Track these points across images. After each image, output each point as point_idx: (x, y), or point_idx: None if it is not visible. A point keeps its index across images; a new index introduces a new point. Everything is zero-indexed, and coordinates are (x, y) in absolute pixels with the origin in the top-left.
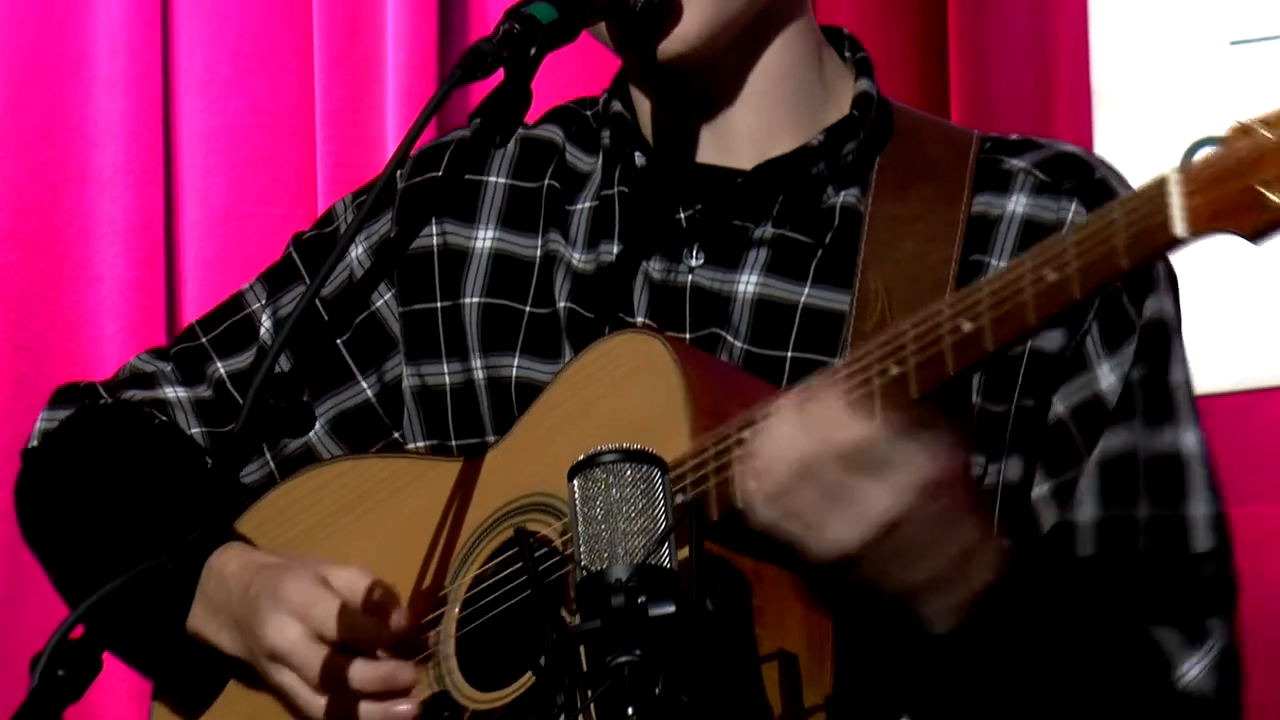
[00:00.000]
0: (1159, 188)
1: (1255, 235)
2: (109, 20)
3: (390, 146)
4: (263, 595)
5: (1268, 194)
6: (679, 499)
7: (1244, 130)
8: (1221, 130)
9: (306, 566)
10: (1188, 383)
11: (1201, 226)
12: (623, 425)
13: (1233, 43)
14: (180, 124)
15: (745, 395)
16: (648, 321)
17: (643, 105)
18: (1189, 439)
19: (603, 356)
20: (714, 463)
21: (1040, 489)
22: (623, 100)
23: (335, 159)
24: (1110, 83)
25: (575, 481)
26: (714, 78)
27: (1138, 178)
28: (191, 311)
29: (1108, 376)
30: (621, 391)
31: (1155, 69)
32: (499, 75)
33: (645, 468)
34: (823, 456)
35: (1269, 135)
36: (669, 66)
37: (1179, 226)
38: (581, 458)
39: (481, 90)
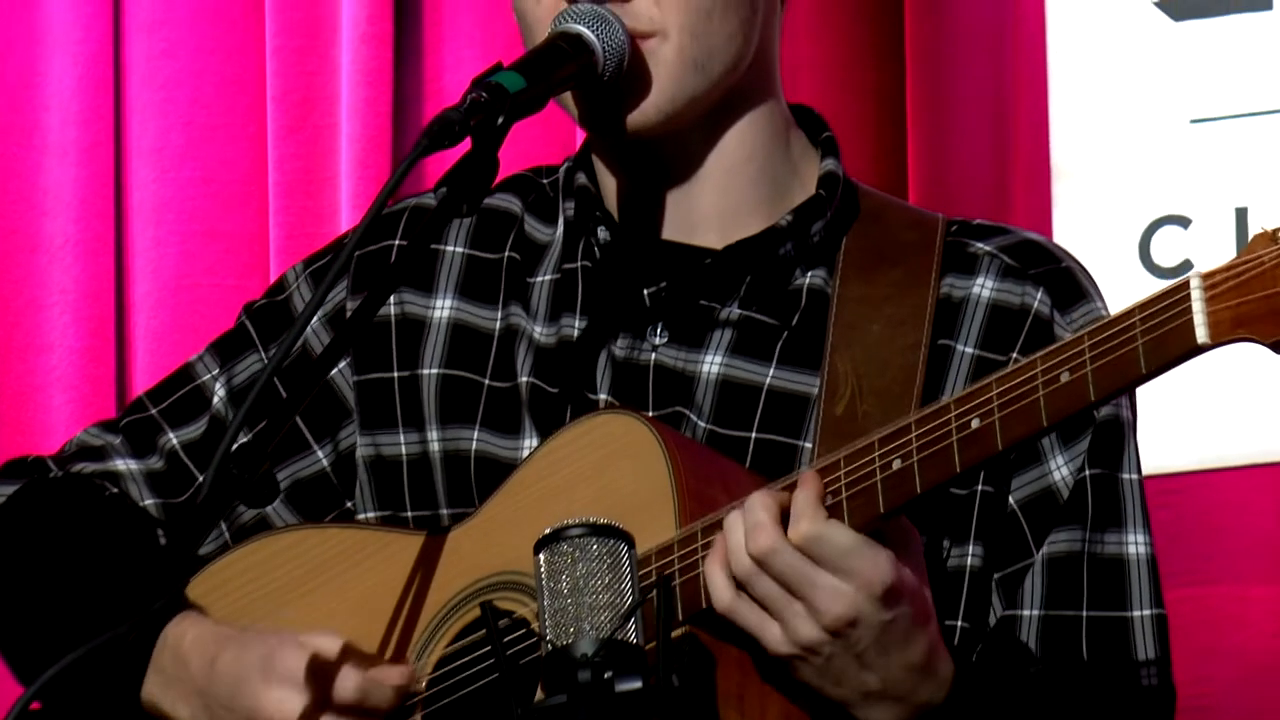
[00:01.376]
0: (1180, 291)
1: (1278, 345)
2: (60, 88)
3: (344, 217)
4: (247, 669)
5: None
6: (673, 583)
7: (1269, 237)
8: (1180, 208)
9: (282, 637)
10: (1139, 484)
11: (1224, 334)
12: (604, 508)
13: (1193, 121)
14: (132, 193)
15: (728, 481)
16: (610, 399)
17: (607, 178)
18: (1136, 543)
19: (582, 436)
20: (703, 551)
21: (994, 576)
22: (587, 172)
23: (288, 230)
24: (1069, 159)
25: (541, 555)
26: (681, 152)
27: (1096, 255)
28: (142, 382)
29: (1060, 470)
30: (603, 473)
31: (1114, 146)
32: (465, 144)
33: (612, 542)
34: (788, 548)
35: None
36: (636, 139)
37: (1201, 333)
38: (548, 531)
39: (440, 159)
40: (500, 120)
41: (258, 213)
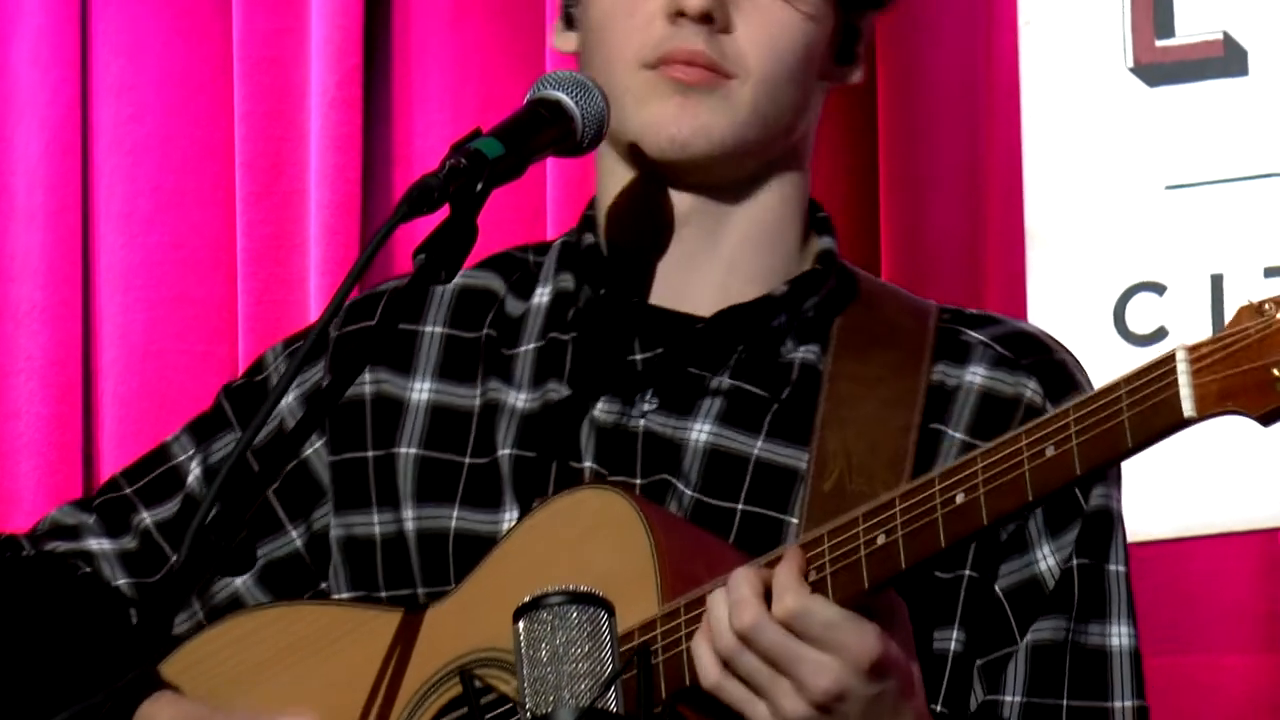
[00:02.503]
0: (1166, 364)
1: (1265, 418)
2: (27, 152)
3: (313, 283)
4: None
5: None
6: (655, 660)
7: (1255, 309)
8: (1155, 275)
9: (258, 716)
10: (1125, 575)
11: (1210, 407)
12: (585, 583)
13: (1168, 187)
14: (99, 258)
15: (711, 557)
16: (596, 467)
17: (609, 246)
18: (1120, 634)
19: (562, 512)
20: (687, 628)
21: (976, 662)
22: (594, 235)
23: (256, 296)
24: (1043, 226)
25: (520, 623)
26: (712, 210)
27: (1071, 322)
28: (109, 449)
29: (1047, 559)
30: (584, 549)
31: (1089, 212)
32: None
33: (592, 610)
34: (771, 624)
35: None
36: (680, 166)
37: (1187, 406)
38: (527, 599)
39: (413, 228)
40: (479, 187)
41: (226, 278)
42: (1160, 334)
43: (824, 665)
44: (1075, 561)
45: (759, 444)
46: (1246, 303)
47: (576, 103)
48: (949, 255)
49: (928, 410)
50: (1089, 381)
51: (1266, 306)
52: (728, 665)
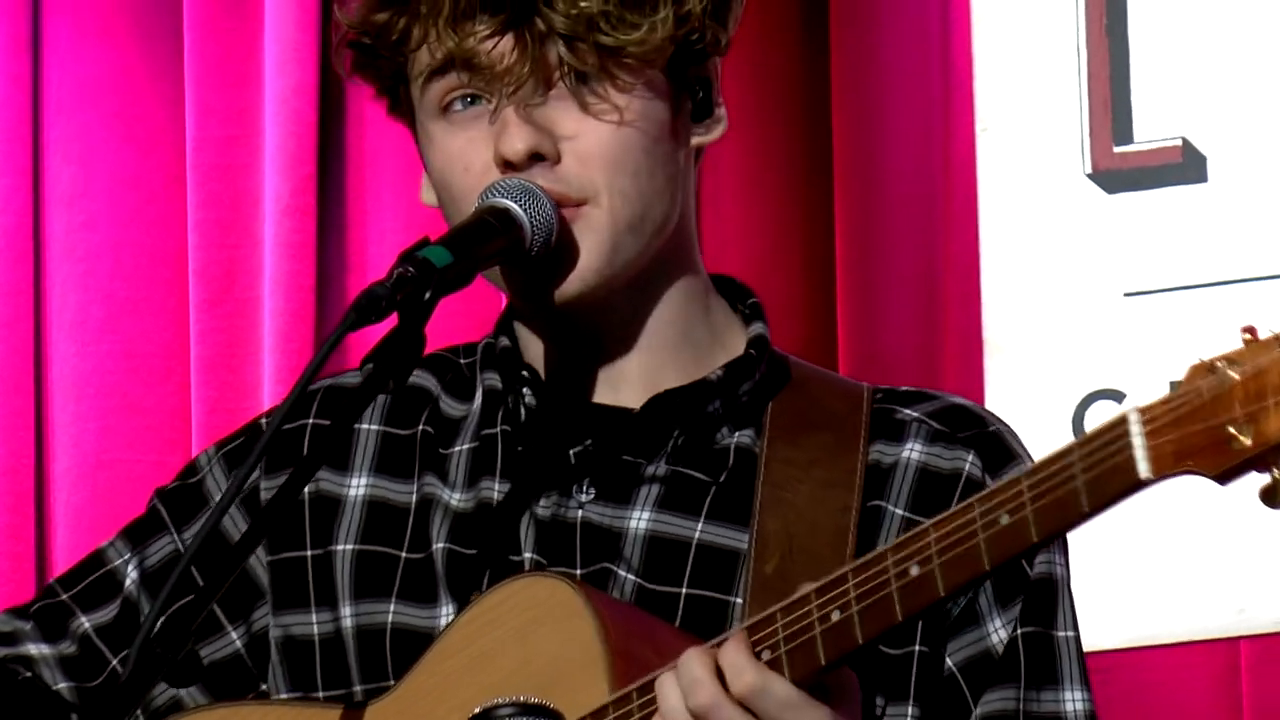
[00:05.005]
0: (1119, 426)
1: (1222, 477)
2: None
3: (267, 391)
4: None
5: (1237, 434)
6: None
7: (1207, 368)
8: (1115, 382)
9: None
10: (1076, 640)
11: (1166, 467)
12: (533, 672)
13: (1126, 294)
14: (51, 367)
15: (658, 640)
16: (536, 558)
17: (530, 344)
18: (1074, 699)
19: (504, 602)
20: (639, 713)
21: None
22: (509, 337)
23: (210, 405)
24: (1001, 334)
25: None
26: (605, 320)
27: (1029, 430)
28: (62, 559)
29: (998, 632)
30: (529, 638)
31: (1047, 320)
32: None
33: None
34: (728, 703)
35: (1233, 374)
36: (564, 309)
37: (1143, 468)
38: (477, 711)
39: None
40: (427, 295)
41: (179, 387)
42: None
43: None
44: (1020, 630)
45: (699, 526)
46: (1198, 361)
47: (525, 210)
48: (907, 362)
49: (866, 489)
50: (1027, 452)
51: (1218, 365)
52: None
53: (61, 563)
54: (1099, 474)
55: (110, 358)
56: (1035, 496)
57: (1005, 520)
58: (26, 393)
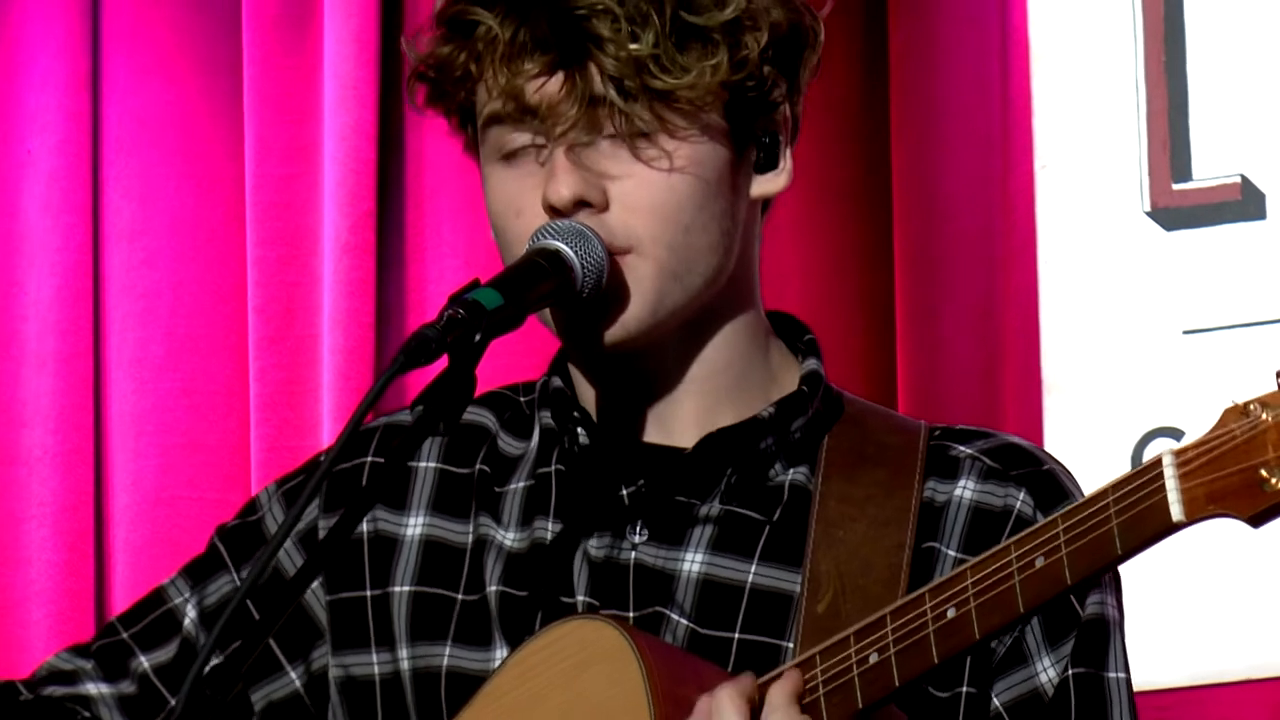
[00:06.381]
0: (1153, 469)
1: (1255, 519)
2: (39, 298)
3: (326, 429)
4: None
5: (1269, 477)
6: None
7: (1240, 410)
8: (1173, 420)
9: None
10: (1127, 682)
11: (1199, 510)
12: (579, 715)
13: (1185, 332)
14: (111, 404)
15: (705, 683)
16: (589, 600)
17: (583, 386)
18: None
19: (553, 644)
20: None
21: None
22: (563, 378)
23: (269, 442)
24: (1060, 372)
25: None
26: (658, 364)
27: (1087, 469)
28: (121, 596)
29: (1047, 671)
30: (576, 681)
31: (1106, 358)
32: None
33: None
34: None
35: (1266, 416)
36: (611, 352)
37: (1176, 510)
38: None
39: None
40: (477, 338)
41: (239, 425)
42: None
43: None
44: (1072, 671)
45: (753, 569)
46: (1231, 404)
47: (576, 252)
48: (965, 400)
49: (920, 528)
50: (1080, 490)
51: (1251, 407)
52: None
53: (121, 600)
54: (1133, 517)
55: (170, 395)
56: (1070, 539)
57: (1040, 563)
58: (86, 430)
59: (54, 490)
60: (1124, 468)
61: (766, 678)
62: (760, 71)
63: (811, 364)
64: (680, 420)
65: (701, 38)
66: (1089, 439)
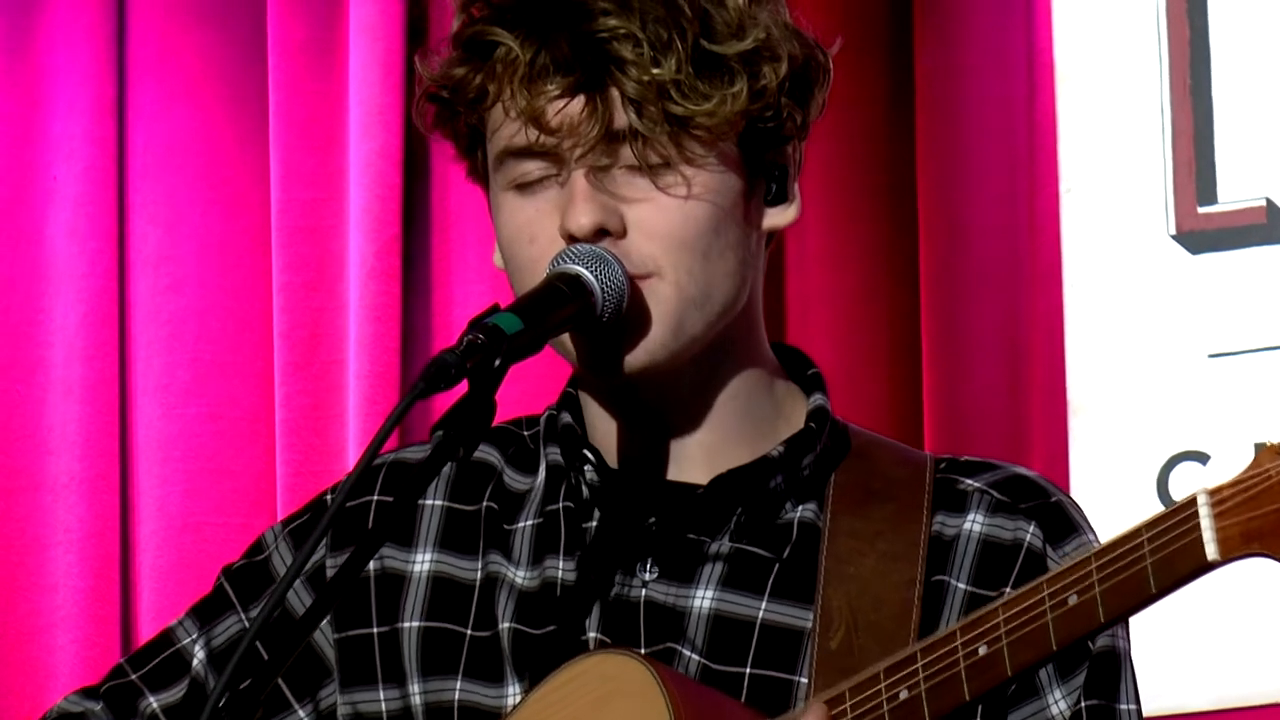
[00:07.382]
0: (1188, 509)
1: None
2: (64, 324)
3: (351, 454)
4: None
5: None
6: None
7: (1276, 451)
8: (1199, 443)
9: None
10: (1138, 713)
11: (1234, 550)
12: None
13: (1211, 355)
14: (137, 430)
15: (726, 716)
16: (601, 637)
17: (594, 419)
18: None
19: (577, 678)
20: None
21: None
22: (572, 413)
23: (295, 467)
24: (1085, 395)
25: None
26: (671, 395)
27: (1113, 492)
28: (147, 622)
29: (1059, 704)
30: (602, 713)
31: (1131, 381)
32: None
33: None
34: None
35: None
36: (631, 379)
37: (1211, 549)
38: None
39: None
40: (497, 363)
41: (265, 450)
42: None
43: None
44: (1085, 703)
45: (763, 605)
46: (1266, 444)
47: (596, 277)
48: (991, 424)
49: (929, 562)
50: (1088, 523)
51: None
52: None
53: (147, 625)
54: (1167, 555)
55: (196, 420)
56: (1104, 577)
57: (1073, 600)
58: (112, 456)
59: (80, 516)
60: (1150, 491)
61: (793, 714)
62: (777, 103)
63: (818, 399)
64: (689, 456)
65: (721, 66)
66: (1115, 462)
